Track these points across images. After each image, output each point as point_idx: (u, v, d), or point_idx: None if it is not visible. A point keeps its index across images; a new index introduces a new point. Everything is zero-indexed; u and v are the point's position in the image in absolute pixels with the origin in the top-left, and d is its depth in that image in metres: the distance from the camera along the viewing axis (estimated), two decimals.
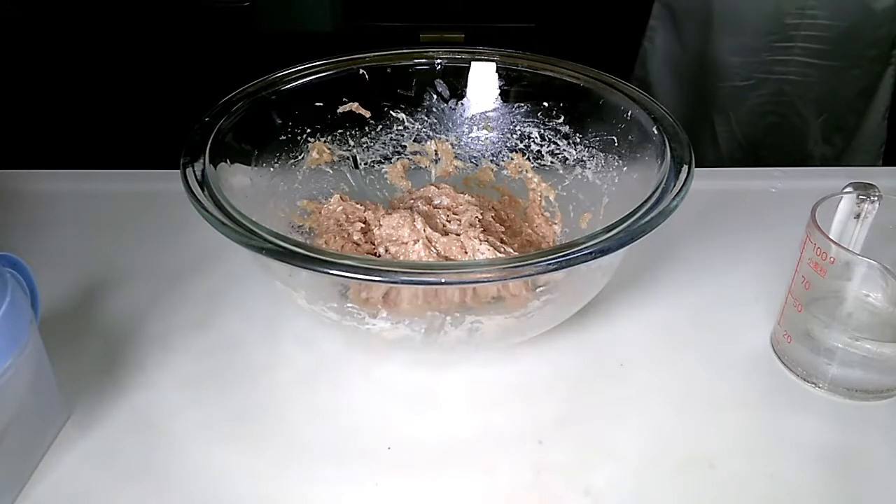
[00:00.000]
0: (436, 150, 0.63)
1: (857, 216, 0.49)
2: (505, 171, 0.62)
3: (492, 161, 0.62)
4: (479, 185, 0.62)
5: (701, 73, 1.13)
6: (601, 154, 0.57)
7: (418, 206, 0.56)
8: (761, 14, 1.05)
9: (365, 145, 0.61)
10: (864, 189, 0.48)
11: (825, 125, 1.13)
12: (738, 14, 1.06)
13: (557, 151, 0.60)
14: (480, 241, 0.51)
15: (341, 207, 0.56)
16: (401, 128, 0.62)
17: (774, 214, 0.65)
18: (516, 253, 0.53)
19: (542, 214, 0.60)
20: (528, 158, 0.61)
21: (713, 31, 1.08)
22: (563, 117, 0.59)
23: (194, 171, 0.46)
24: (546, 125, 0.60)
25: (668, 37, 1.16)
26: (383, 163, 0.62)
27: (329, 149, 0.59)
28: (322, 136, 0.59)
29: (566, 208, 0.59)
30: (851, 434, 0.46)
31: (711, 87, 1.13)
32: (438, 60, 0.60)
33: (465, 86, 0.61)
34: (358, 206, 0.56)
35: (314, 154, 0.59)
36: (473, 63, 0.61)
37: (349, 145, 0.61)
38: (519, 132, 0.61)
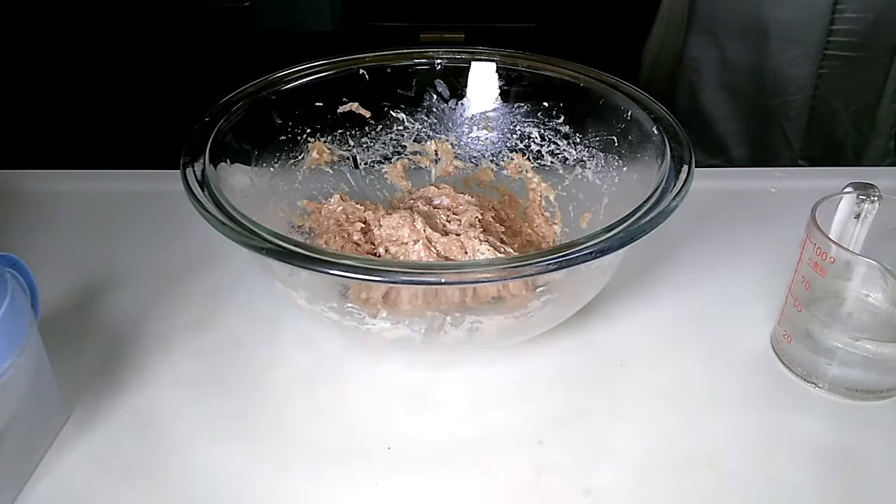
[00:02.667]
0: (436, 150, 0.63)
1: (857, 216, 0.49)
2: (505, 171, 0.62)
3: (492, 161, 0.62)
4: (479, 185, 0.62)
5: (759, 89, 1.14)
6: (601, 154, 0.57)
7: (418, 206, 0.56)
8: (813, 21, 1.06)
9: (365, 145, 0.61)
10: (864, 189, 0.48)
11: (855, 115, 1.14)
12: (792, 26, 1.07)
13: (557, 151, 0.60)
14: (480, 241, 0.51)
15: (341, 207, 0.56)
16: (401, 128, 0.62)
17: (774, 214, 0.65)
18: (516, 253, 0.53)
19: (542, 214, 0.60)
20: (528, 158, 0.61)
21: (770, 48, 1.09)
22: (563, 117, 0.59)
23: (194, 171, 0.46)
24: (546, 125, 0.60)
25: (716, 63, 1.16)
26: (383, 163, 0.62)
27: (329, 149, 0.59)
28: (322, 136, 0.59)
29: (566, 208, 0.59)
30: (851, 434, 0.46)
31: (771, 99, 1.14)
32: (438, 60, 0.60)
33: (465, 86, 0.61)
34: (358, 206, 0.56)
35: (314, 154, 0.59)
36: (473, 63, 0.61)
37: (349, 145, 0.61)
38: (519, 132, 0.61)
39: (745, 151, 1.18)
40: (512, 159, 0.61)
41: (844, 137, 1.16)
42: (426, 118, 0.62)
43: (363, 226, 0.55)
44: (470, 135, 0.62)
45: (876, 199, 0.48)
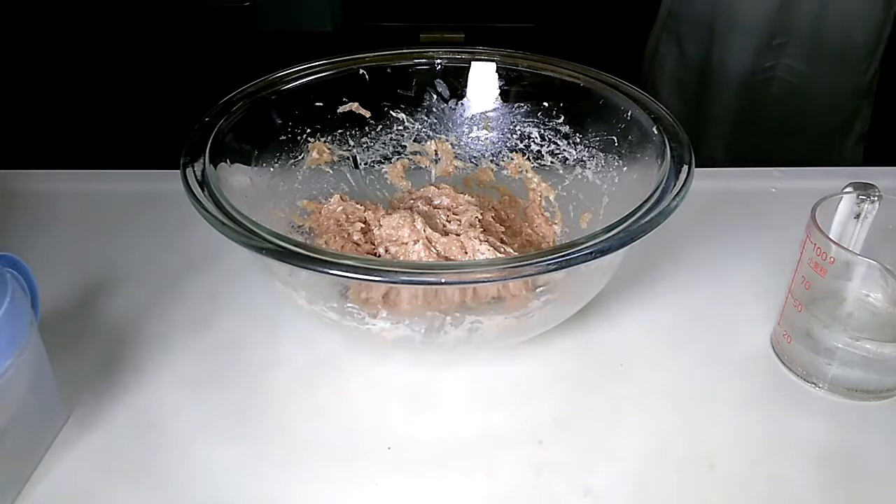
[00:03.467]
0: (436, 150, 0.63)
1: (857, 216, 0.49)
2: (505, 171, 0.62)
3: (492, 161, 0.62)
4: (479, 185, 0.62)
5: (706, 82, 1.15)
6: (601, 154, 0.57)
7: (418, 206, 0.56)
8: (759, 16, 1.06)
9: (365, 145, 0.61)
10: (864, 189, 0.48)
11: (821, 128, 1.15)
12: (737, 18, 1.08)
13: (557, 151, 0.60)
14: (480, 241, 0.51)
15: (341, 207, 0.56)
16: (401, 128, 0.62)
17: (774, 214, 0.65)
18: (516, 253, 0.53)
19: (542, 214, 0.60)
20: (528, 158, 0.61)
21: (717, 38, 1.10)
22: (563, 117, 0.59)
23: (194, 171, 0.46)
24: (546, 125, 0.60)
25: (675, 61, 1.18)
26: (383, 163, 0.62)
27: (329, 149, 0.59)
28: (322, 136, 0.59)
29: (566, 208, 0.59)
30: (851, 434, 0.46)
31: (717, 94, 1.14)
32: (438, 60, 0.60)
33: (465, 86, 0.61)
34: (358, 206, 0.56)
35: (314, 154, 0.59)
36: (473, 63, 0.61)
37: (349, 145, 0.61)
38: (519, 132, 0.61)
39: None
40: (512, 159, 0.61)
41: (810, 147, 1.17)
42: (426, 118, 0.62)
43: (363, 226, 0.55)
44: (470, 135, 0.62)
45: (876, 199, 0.48)
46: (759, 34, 1.07)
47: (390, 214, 0.53)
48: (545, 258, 0.40)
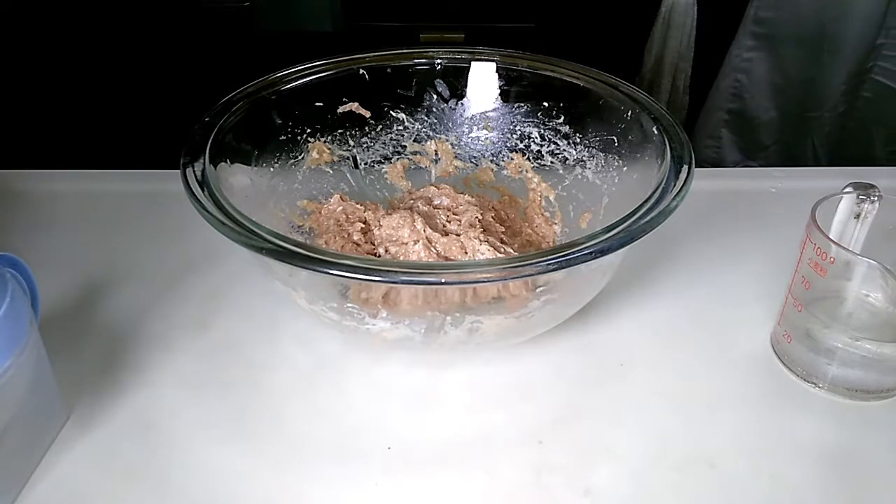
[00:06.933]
0: (436, 150, 0.63)
1: (857, 216, 0.49)
2: (505, 171, 0.62)
3: (492, 161, 0.62)
4: (479, 185, 0.62)
5: (804, 98, 1.17)
6: (601, 154, 0.57)
7: (418, 207, 0.56)
8: (864, 34, 1.08)
9: (365, 145, 0.61)
10: (864, 189, 0.48)
11: (887, 137, 1.16)
12: (843, 38, 1.09)
13: (557, 151, 0.60)
14: (480, 241, 0.51)
15: (341, 207, 0.56)
16: (401, 128, 0.62)
17: (774, 214, 0.65)
18: (516, 253, 0.53)
19: (542, 214, 0.60)
20: (528, 158, 0.61)
21: (821, 56, 1.12)
22: (563, 117, 0.59)
23: (194, 171, 0.46)
24: (546, 125, 0.60)
25: (768, 66, 1.19)
26: (383, 163, 0.62)
27: (329, 149, 0.59)
28: (322, 136, 0.59)
29: (566, 208, 0.59)
30: (851, 434, 0.46)
31: (812, 110, 1.17)
32: (438, 60, 0.60)
33: (465, 86, 0.61)
34: (358, 206, 0.56)
35: (314, 154, 0.59)
36: (473, 63, 0.61)
37: (349, 145, 0.61)
38: (519, 132, 0.61)
39: (777, 158, 1.21)
40: (512, 159, 0.61)
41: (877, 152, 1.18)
42: (426, 118, 0.62)
43: (363, 226, 0.55)
44: (470, 135, 0.62)
45: (876, 199, 0.48)
46: (856, 52, 1.08)
47: (390, 214, 0.53)
48: (545, 258, 0.40)
